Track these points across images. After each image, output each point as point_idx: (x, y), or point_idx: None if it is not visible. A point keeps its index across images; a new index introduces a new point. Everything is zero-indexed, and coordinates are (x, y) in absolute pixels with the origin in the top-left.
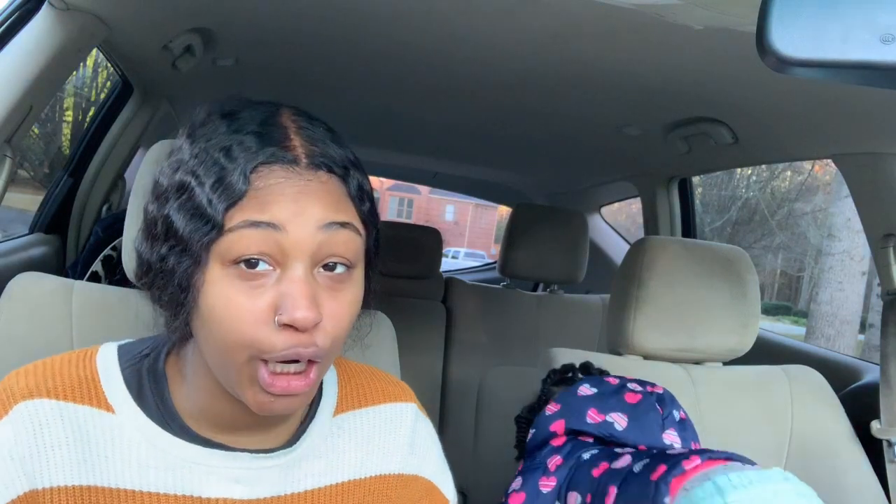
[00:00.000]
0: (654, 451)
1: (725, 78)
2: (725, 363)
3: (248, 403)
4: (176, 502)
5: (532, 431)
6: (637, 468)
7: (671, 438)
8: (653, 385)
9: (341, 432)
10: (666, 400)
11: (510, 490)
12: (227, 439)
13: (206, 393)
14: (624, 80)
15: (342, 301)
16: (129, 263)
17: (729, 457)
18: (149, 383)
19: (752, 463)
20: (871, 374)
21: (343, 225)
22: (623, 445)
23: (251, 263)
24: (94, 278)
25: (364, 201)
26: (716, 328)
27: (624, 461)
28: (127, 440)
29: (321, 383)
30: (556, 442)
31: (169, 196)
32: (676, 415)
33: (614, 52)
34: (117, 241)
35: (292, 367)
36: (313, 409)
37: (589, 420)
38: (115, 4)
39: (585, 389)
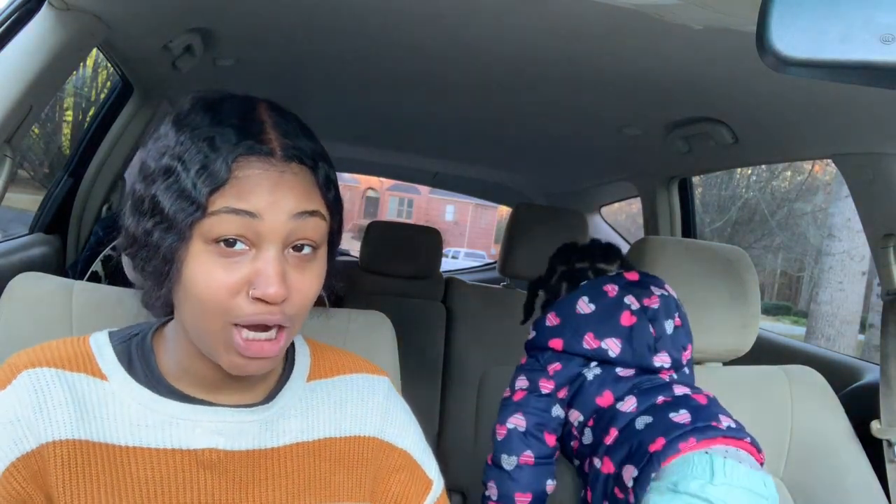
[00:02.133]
0: (657, 403)
1: (725, 78)
2: (725, 363)
3: (223, 366)
4: (166, 455)
5: (533, 334)
6: (639, 424)
7: (661, 360)
8: (650, 292)
9: (315, 395)
10: (660, 314)
11: (516, 387)
12: (209, 397)
13: (186, 355)
14: (624, 80)
15: (308, 276)
16: (121, 242)
17: (725, 434)
18: (137, 356)
19: (742, 437)
20: (871, 374)
21: (312, 213)
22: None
23: (229, 242)
24: (94, 278)
25: (330, 190)
26: (716, 328)
27: (629, 405)
28: (119, 403)
29: (294, 354)
30: (554, 345)
31: (156, 177)
32: (669, 327)
33: (614, 52)
34: (117, 240)
35: (263, 335)
36: (287, 373)
37: (585, 346)
38: (115, 4)
39: (584, 305)
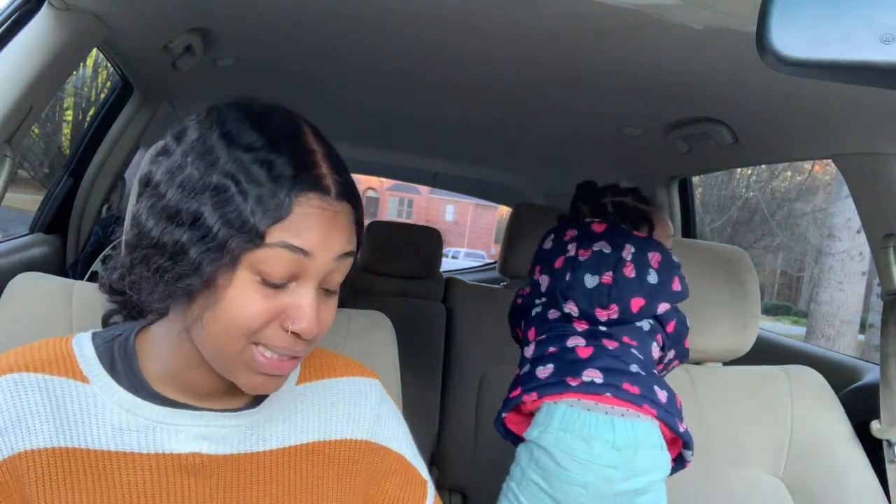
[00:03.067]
0: (546, 353)
1: (725, 78)
2: (725, 363)
3: (239, 384)
4: (148, 460)
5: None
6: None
7: (570, 308)
8: (589, 244)
9: (304, 399)
10: (584, 266)
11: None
12: (193, 401)
13: (179, 363)
14: (624, 80)
15: (330, 309)
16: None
17: (576, 390)
18: (119, 357)
19: (601, 392)
20: (871, 374)
21: (349, 253)
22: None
23: (276, 285)
24: (94, 278)
25: (360, 227)
26: (716, 328)
27: (530, 350)
28: (101, 406)
29: None
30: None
31: (202, 190)
32: (591, 281)
33: (614, 52)
34: (117, 240)
35: (285, 355)
36: None
37: (533, 276)
38: (115, 4)
39: (548, 242)
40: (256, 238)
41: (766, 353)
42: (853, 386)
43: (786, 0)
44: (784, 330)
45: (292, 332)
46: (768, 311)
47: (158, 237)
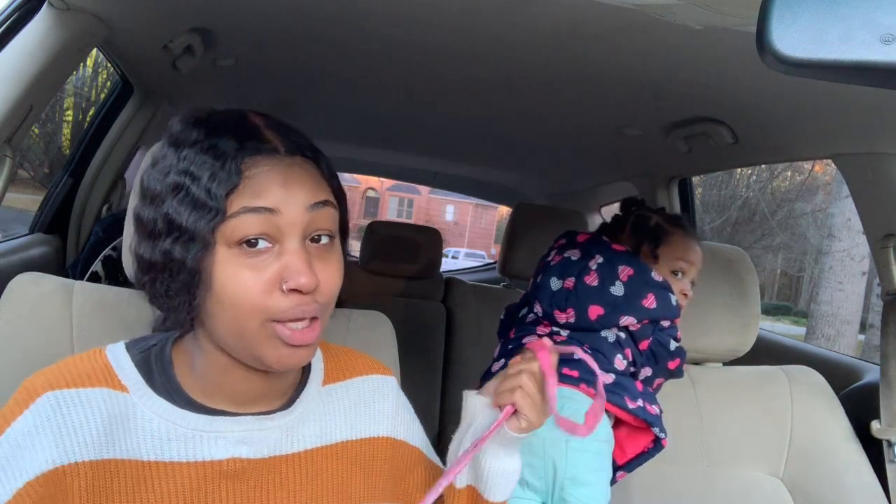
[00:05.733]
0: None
1: (725, 78)
2: (725, 363)
3: (268, 362)
4: (189, 469)
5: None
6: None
7: (536, 308)
8: (562, 251)
9: (331, 399)
10: (550, 271)
11: None
12: (230, 408)
13: (215, 369)
14: (624, 80)
15: (330, 266)
16: (128, 265)
17: (585, 381)
18: (157, 367)
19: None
20: (871, 374)
21: (324, 203)
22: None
23: (251, 243)
24: (94, 278)
25: (334, 179)
26: (715, 328)
27: (499, 347)
28: (140, 416)
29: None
30: None
31: (164, 197)
32: (555, 284)
33: (614, 52)
34: (117, 241)
35: (300, 325)
36: (304, 379)
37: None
38: (115, 4)
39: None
40: (219, 213)
41: (766, 353)
42: (853, 386)
43: (786, 0)
44: (784, 330)
45: (293, 291)
46: (768, 311)
47: (150, 258)
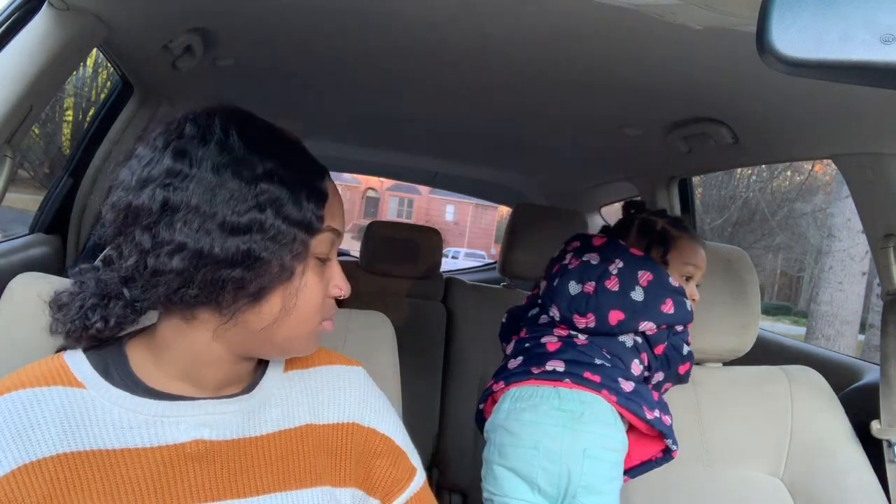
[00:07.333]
0: (523, 346)
1: (725, 78)
2: (725, 363)
3: (304, 351)
4: (153, 453)
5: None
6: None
7: (553, 311)
8: (580, 255)
9: (293, 384)
10: (568, 274)
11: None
12: (190, 393)
13: (194, 360)
14: (624, 80)
15: None
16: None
17: (537, 377)
18: (113, 364)
19: (559, 379)
20: (871, 374)
21: None
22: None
23: (323, 259)
24: None
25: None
26: (716, 328)
27: (510, 346)
28: (100, 409)
29: None
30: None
31: (252, 207)
32: (574, 288)
33: (614, 52)
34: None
35: (331, 318)
36: (264, 364)
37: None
38: (115, 4)
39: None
40: (317, 226)
41: (766, 353)
42: (853, 386)
43: (786, 0)
44: (784, 330)
45: (333, 297)
46: (768, 311)
47: (211, 278)
